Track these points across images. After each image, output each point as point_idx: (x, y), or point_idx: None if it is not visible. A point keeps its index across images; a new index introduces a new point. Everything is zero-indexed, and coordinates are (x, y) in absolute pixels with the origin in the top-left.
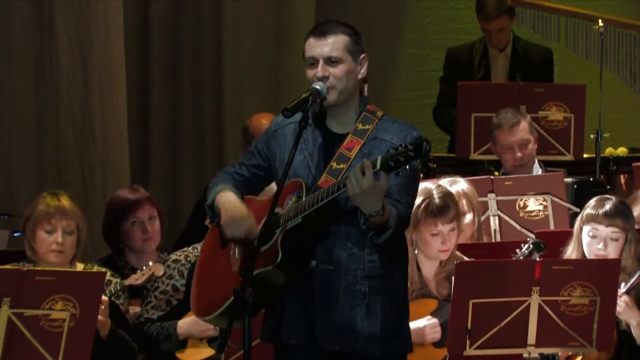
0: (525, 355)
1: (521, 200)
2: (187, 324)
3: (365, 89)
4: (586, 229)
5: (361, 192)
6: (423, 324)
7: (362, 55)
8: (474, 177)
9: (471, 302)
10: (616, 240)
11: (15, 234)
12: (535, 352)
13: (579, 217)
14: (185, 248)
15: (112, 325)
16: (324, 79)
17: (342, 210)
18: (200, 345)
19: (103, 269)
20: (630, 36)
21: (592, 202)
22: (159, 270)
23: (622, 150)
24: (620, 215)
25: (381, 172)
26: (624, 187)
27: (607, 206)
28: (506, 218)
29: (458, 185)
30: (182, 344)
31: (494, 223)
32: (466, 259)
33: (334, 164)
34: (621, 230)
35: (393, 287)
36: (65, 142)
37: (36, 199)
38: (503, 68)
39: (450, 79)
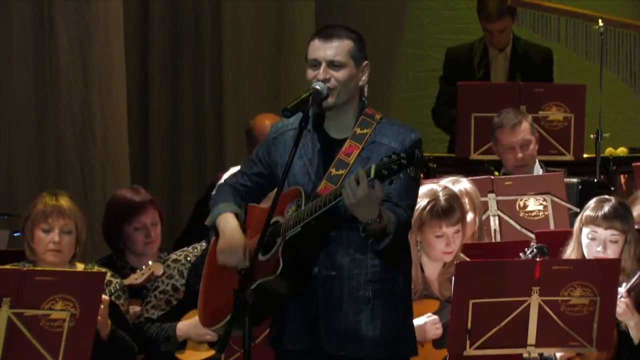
0: (525, 355)
1: (521, 200)
2: (186, 326)
3: (365, 89)
4: (585, 231)
5: (356, 201)
6: (423, 321)
7: (365, 62)
8: (474, 177)
9: (471, 302)
10: (615, 242)
11: (15, 234)
12: (535, 352)
13: (578, 218)
14: (185, 248)
15: (112, 325)
16: (325, 81)
17: (343, 216)
18: (200, 346)
19: (103, 269)
20: (630, 36)
21: (592, 203)
22: (159, 270)
23: (622, 150)
24: (619, 217)
25: (376, 180)
26: (624, 187)
27: (606, 208)
28: (506, 218)
29: (461, 184)
30: (182, 344)
31: (494, 223)
32: (467, 259)
33: (332, 170)
34: (620, 232)
35: (397, 290)
36: (65, 142)
37: (35, 199)
38: (503, 68)
39: (450, 78)
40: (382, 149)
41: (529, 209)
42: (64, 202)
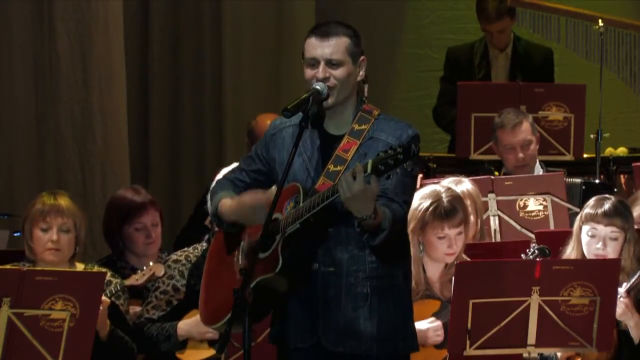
0: (525, 355)
1: (521, 200)
2: (187, 325)
3: (366, 89)
4: (585, 228)
5: (352, 196)
6: (426, 326)
7: (362, 58)
8: (474, 177)
9: (471, 302)
10: (615, 239)
11: (15, 234)
12: (535, 352)
13: (578, 217)
14: (186, 248)
15: (111, 326)
16: (324, 80)
17: (341, 213)
18: (200, 346)
19: (103, 269)
20: (630, 36)
21: (591, 201)
22: (160, 271)
23: (622, 150)
24: (619, 214)
25: (372, 175)
26: (624, 187)
27: (606, 206)
28: (506, 218)
29: (463, 185)
30: (182, 344)
31: (494, 223)
32: (468, 259)
33: (331, 167)
34: (620, 229)
35: (396, 286)
36: (65, 142)
37: (34, 199)
38: (503, 68)
39: (450, 78)
40: (379, 145)
41: (529, 209)
42: (62, 201)
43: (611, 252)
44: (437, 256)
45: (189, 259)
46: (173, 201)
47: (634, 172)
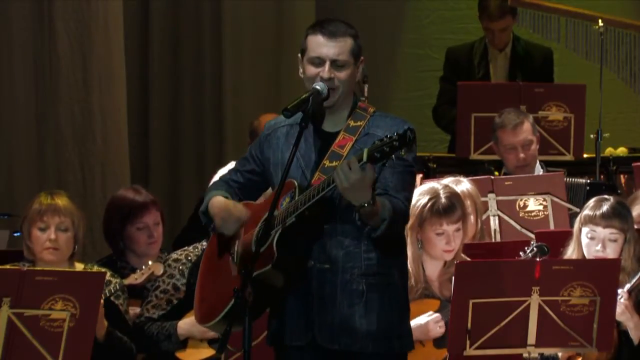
0: (525, 355)
1: (521, 200)
2: (187, 324)
3: (366, 89)
4: (585, 230)
5: (350, 185)
6: (425, 319)
7: (361, 58)
8: (474, 177)
9: (471, 302)
10: (615, 241)
11: (15, 234)
12: (535, 352)
13: (577, 218)
14: (186, 247)
15: (109, 326)
16: (328, 80)
17: (337, 208)
18: (201, 346)
19: (103, 269)
20: (630, 36)
21: (591, 203)
22: (159, 270)
23: (622, 150)
24: (617, 216)
25: (367, 163)
26: (624, 187)
27: (604, 207)
28: (506, 218)
29: (462, 185)
30: (183, 343)
31: (494, 223)
32: (467, 259)
33: (326, 162)
34: (619, 231)
35: (392, 284)
36: (65, 142)
37: (33, 199)
38: (503, 68)
39: (450, 78)
40: (375, 140)
41: (529, 209)
42: (60, 200)
43: (611, 254)
44: (436, 253)
45: (189, 258)
46: (173, 201)
47: (634, 172)
